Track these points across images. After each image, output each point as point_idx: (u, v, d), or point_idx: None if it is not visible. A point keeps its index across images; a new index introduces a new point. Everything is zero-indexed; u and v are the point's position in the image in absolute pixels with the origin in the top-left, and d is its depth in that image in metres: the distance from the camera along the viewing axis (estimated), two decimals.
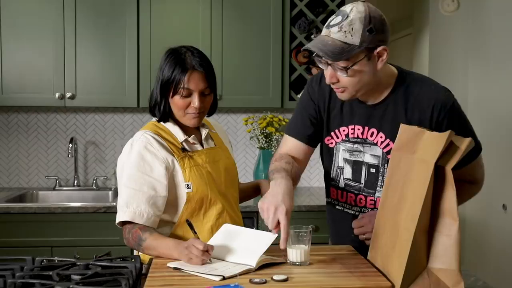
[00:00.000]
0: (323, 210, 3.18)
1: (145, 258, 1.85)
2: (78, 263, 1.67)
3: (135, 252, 1.93)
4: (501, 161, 3.67)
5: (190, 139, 1.96)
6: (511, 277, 3.49)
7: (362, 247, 1.85)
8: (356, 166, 1.92)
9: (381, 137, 1.85)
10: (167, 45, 1.98)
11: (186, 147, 1.96)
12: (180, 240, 1.78)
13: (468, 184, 1.92)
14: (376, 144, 1.86)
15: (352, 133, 1.90)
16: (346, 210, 2.00)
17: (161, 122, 1.97)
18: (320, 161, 2.14)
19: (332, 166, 2.00)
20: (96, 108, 3.66)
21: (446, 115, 1.79)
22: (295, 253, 1.70)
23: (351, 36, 1.66)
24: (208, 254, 1.65)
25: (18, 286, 1.49)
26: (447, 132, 1.51)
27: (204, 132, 2.01)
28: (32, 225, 3.06)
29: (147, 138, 1.90)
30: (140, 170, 1.86)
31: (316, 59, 1.74)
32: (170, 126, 1.97)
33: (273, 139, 3.59)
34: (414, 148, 1.61)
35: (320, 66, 1.75)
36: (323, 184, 3.91)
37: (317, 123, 1.98)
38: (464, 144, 1.53)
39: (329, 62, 1.70)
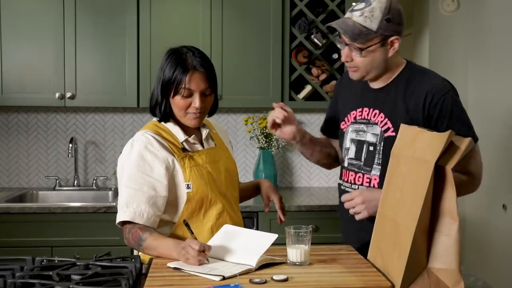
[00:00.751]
0: (323, 210, 3.20)
1: (145, 258, 1.85)
2: (78, 263, 1.67)
3: (135, 252, 1.93)
4: (501, 161, 3.66)
5: (191, 139, 1.96)
6: (511, 277, 3.49)
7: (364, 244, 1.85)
8: (359, 145, 2.04)
9: (381, 117, 1.99)
10: (167, 45, 1.98)
11: (187, 147, 1.95)
12: (180, 240, 1.78)
13: (463, 176, 1.92)
14: (376, 124, 2.00)
15: (359, 115, 2.06)
16: (347, 189, 2.06)
17: (162, 122, 1.97)
18: None
19: (342, 148, 2.14)
20: (96, 108, 3.66)
21: (439, 102, 1.89)
22: (295, 253, 1.70)
23: (370, 21, 1.87)
24: (204, 254, 1.65)
25: (18, 286, 1.49)
26: (447, 132, 1.51)
27: (204, 132, 2.01)
28: (32, 225, 3.06)
29: (147, 138, 1.90)
30: (140, 170, 1.86)
31: (336, 39, 1.99)
32: (170, 126, 1.97)
33: (273, 139, 3.59)
34: (414, 148, 1.61)
35: (338, 45, 1.99)
36: (323, 184, 3.90)
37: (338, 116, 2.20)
38: (464, 144, 1.53)
39: (347, 42, 1.92)
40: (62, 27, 3.32)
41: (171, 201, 1.90)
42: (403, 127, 1.73)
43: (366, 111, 2.03)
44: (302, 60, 3.47)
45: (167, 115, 1.95)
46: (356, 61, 1.94)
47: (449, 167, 1.51)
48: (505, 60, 3.61)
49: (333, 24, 1.93)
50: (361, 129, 2.04)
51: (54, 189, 3.61)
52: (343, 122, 2.13)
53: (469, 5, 4.15)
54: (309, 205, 3.17)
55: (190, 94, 1.88)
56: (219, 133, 2.14)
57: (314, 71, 3.47)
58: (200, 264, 1.65)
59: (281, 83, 3.44)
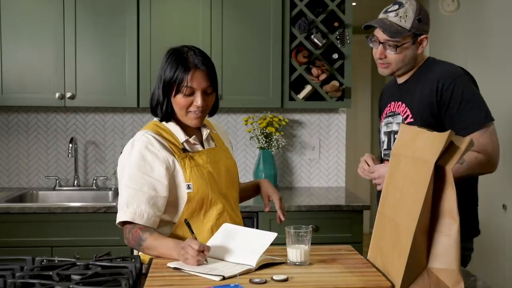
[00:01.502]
0: (323, 210, 3.20)
1: (145, 258, 1.85)
2: (78, 263, 1.67)
3: (135, 252, 1.94)
4: (501, 161, 3.66)
5: (191, 140, 1.96)
6: (511, 277, 3.48)
7: None
8: (389, 136, 2.26)
9: (403, 107, 2.19)
10: (167, 44, 1.98)
11: (187, 147, 1.95)
12: (180, 240, 1.78)
13: (479, 155, 2.02)
14: (399, 114, 2.20)
15: (388, 109, 2.28)
16: None
17: (163, 122, 1.97)
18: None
19: (380, 143, 2.35)
20: (96, 108, 3.66)
21: (450, 86, 2.06)
22: (295, 253, 1.70)
23: (405, 21, 2.12)
24: (203, 254, 1.65)
25: (18, 286, 1.49)
26: (447, 132, 1.51)
27: (205, 133, 2.01)
28: (32, 225, 3.05)
29: (148, 138, 1.90)
30: (141, 170, 1.86)
31: (368, 38, 2.22)
32: (171, 126, 1.96)
33: (273, 139, 3.59)
34: (414, 148, 1.61)
35: (370, 44, 2.22)
36: (323, 184, 3.91)
37: None
38: (464, 144, 1.53)
39: (381, 40, 2.15)
40: (62, 27, 3.32)
41: (172, 201, 1.90)
42: (403, 127, 1.73)
43: (393, 104, 2.26)
44: (302, 60, 3.47)
45: (168, 115, 1.95)
46: (389, 58, 2.17)
47: (449, 167, 1.51)
48: (505, 60, 3.61)
49: (373, 23, 2.15)
50: (389, 122, 2.26)
51: (54, 189, 3.61)
52: (380, 121, 2.37)
53: (469, 5, 4.14)
54: (309, 205, 3.17)
55: (191, 93, 1.88)
56: (220, 133, 2.14)
57: (314, 71, 3.47)
58: (198, 264, 1.65)
59: (281, 83, 3.44)
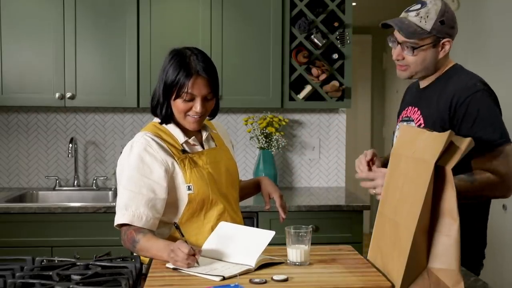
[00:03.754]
0: (323, 210, 3.20)
1: (145, 258, 1.85)
2: (78, 263, 1.68)
3: None
4: None
5: (191, 141, 1.96)
6: (511, 277, 3.48)
7: None
8: None
9: (418, 114, 2.06)
10: (167, 45, 1.98)
11: (187, 148, 1.95)
12: (171, 242, 1.75)
13: (492, 175, 1.84)
14: (413, 120, 2.07)
15: (405, 113, 2.15)
16: None
17: (163, 124, 1.97)
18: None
19: (392, 145, 2.18)
20: (96, 108, 3.66)
21: (465, 102, 1.90)
22: (295, 253, 1.70)
23: (425, 22, 1.95)
24: (194, 258, 1.63)
25: (18, 286, 1.49)
26: (447, 132, 1.51)
27: (205, 134, 2.01)
28: (32, 225, 3.05)
29: (146, 140, 1.89)
30: (140, 172, 1.86)
31: (388, 38, 2.06)
32: (171, 127, 1.96)
33: (273, 139, 3.59)
34: (414, 148, 1.61)
35: (390, 44, 2.06)
36: (323, 184, 3.91)
37: None
38: (464, 144, 1.53)
39: (399, 41, 2.00)
40: (62, 27, 3.32)
41: (172, 203, 1.90)
42: (403, 127, 1.73)
43: (410, 109, 2.12)
44: (302, 60, 3.47)
45: (168, 117, 1.94)
46: (407, 59, 2.01)
47: (449, 167, 1.51)
48: (505, 60, 3.60)
49: (390, 21, 2.00)
50: None
51: (54, 189, 3.61)
52: (396, 123, 2.24)
53: (469, 5, 4.14)
54: (309, 205, 3.17)
55: (191, 99, 1.88)
56: (220, 133, 2.14)
57: (314, 71, 3.47)
58: (189, 267, 1.64)
59: (281, 83, 3.44)
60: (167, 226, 1.93)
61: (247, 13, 3.41)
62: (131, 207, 1.84)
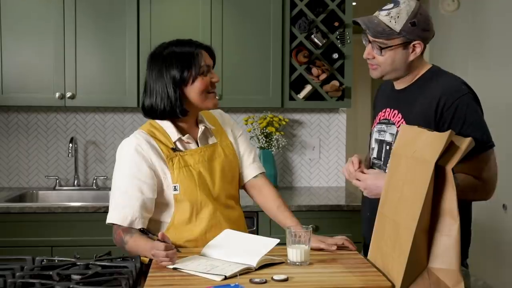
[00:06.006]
0: (323, 210, 3.20)
1: (145, 258, 1.85)
2: (78, 263, 1.68)
3: None
4: (501, 161, 3.66)
5: (185, 138, 1.94)
6: (511, 277, 3.49)
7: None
8: (380, 145, 2.06)
9: (399, 117, 1.99)
10: None
11: (180, 146, 1.94)
12: (157, 242, 1.71)
13: (476, 180, 1.87)
14: (394, 124, 2.01)
15: (383, 115, 2.08)
16: None
17: (156, 121, 1.96)
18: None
19: (369, 148, 2.16)
20: (96, 108, 3.66)
21: (453, 105, 1.85)
22: (295, 253, 1.71)
23: (395, 22, 1.90)
24: (173, 252, 1.64)
25: (18, 286, 1.49)
26: (447, 132, 1.51)
27: (200, 130, 1.98)
28: (32, 225, 3.05)
29: (137, 140, 1.90)
30: (128, 171, 1.87)
31: (362, 35, 2.01)
32: (166, 124, 1.95)
33: (273, 139, 3.59)
34: (414, 148, 1.61)
35: (363, 41, 2.01)
36: (323, 184, 3.91)
37: None
38: (464, 144, 1.53)
39: (370, 39, 1.95)
40: (62, 27, 3.32)
41: (163, 203, 1.90)
42: (403, 127, 1.73)
43: (388, 111, 2.06)
44: (302, 60, 3.47)
45: (185, 110, 1.93)
46: (377, 59, 1.97)
47: (449, 167, 1.51)
48: (505, 60, 3.61)
49: (358, 19, 1.98)
50: (383, 129, 2.06)
51: (54, 189, 3.61)
52: (373, 124, 2.16)
53: (469, 5, 4.15)
54: (309, 205, 3.17)
55: (208, 71, 1.93)
56: (223, 125, 2.10)
57: (314, 71, 3.47)
58: (173, 262, 1.64)
59: (281, 83, 3.44)
60: (161, 225, 1.93)
61: (247, 13, 3.41)
62: (119, 207, 1.84)
